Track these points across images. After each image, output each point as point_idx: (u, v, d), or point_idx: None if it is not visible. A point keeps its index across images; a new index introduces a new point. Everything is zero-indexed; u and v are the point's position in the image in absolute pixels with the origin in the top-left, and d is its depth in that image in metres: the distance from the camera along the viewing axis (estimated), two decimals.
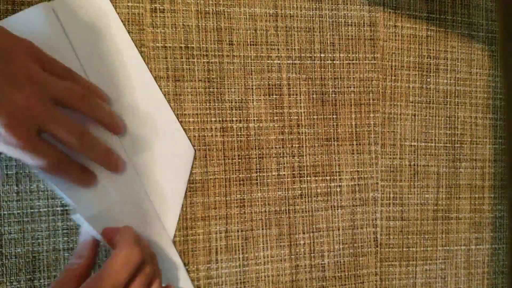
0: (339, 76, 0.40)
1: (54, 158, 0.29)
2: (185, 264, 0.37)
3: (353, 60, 0.41)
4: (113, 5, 0.35)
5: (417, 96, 0.42)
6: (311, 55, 0.39)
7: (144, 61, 0.36)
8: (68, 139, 0.29)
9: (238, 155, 0.38)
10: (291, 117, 0.39)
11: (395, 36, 0.42)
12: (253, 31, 0.38)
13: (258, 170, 0.38)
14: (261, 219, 0.39)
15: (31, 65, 0.27)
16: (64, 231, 0.35)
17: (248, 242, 0.38)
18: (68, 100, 0.29)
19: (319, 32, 0.40)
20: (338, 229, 0.40)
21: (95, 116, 0.31)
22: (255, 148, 0.38)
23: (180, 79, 0.37)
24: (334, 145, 0.40)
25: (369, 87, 0.41)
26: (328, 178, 0.40)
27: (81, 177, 0.31)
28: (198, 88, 0.37)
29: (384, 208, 0.42)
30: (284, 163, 0.39)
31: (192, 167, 0.37)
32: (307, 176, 0.40)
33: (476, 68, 0.44)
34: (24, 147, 0.27)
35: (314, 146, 0.40)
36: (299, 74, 0.39)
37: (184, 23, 0.37)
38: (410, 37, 0.42)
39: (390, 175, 0.42)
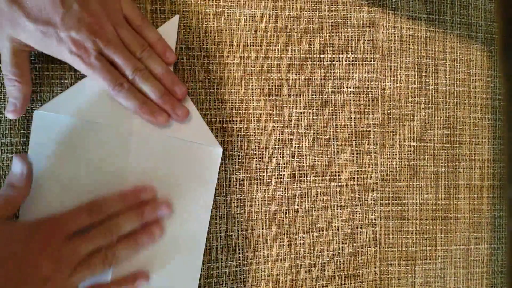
0: (338, 77, 0.40)
1: (116, 75, 0.32)
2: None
3: (352, 60, 0.41)
4: None
5: (416, 96, 0.43)
6: (310, 56, 0.40)
7: None
8: (123, 67, 0.32)
9: (238, 155, 0.38)
10: (291, 118, 0.39)
11: (394, 37, 0.42)
12: (253, 32, 0.38)
13: (258, 170, 0.39)
14: (261, 218, 0.39)
15: None
16: None
17: (248, 242, 0.39)
18: (126, 46, 0.33)
19: (319, 33, 0.40)
20: (338, 229, 0.41)
21: (150, 67, 0.34)
22: (255, 148, 0.39)
23: (180, 79, 0.37)
24: (333, 145, 0.40)
25: (368, 87, 0.41)
26: (327, 178, 0.40)
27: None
28: (199, 89, 0.37)
29: (384, 207, 0.42)
30: (284, 163, 0.39)
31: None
32: (307, 176, 0.40)
33: (475, 69, 0.45)
34: (88, 62, 0.30)
35: (314, 146, 0.40)
36: (299, 74, 0.40)
37: (185, 24, 0.37)
38: (409, 38, 0.42)
39: (389, 175, 0.42)
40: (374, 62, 0.41)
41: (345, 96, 0.41)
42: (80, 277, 0.30)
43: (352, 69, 0.41)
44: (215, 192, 0.38)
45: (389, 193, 0.42)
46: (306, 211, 0.40)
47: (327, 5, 0.40)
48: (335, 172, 0.40)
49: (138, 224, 0.33)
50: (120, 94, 0.32)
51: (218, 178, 0.38)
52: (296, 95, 0.39)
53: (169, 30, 0.36)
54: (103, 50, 0.31)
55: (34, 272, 0.27)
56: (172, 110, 0.34)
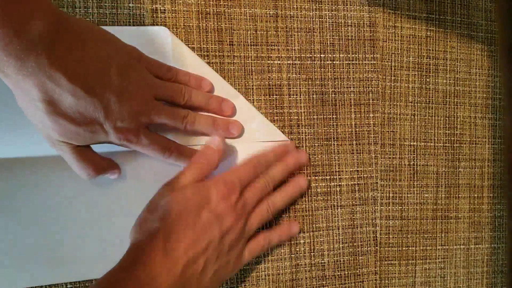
0: (339, 76, 0.40)
1: (164, 143, 0.33)
2: None
3: (352, 60, 0.41)
4: (114, 5, 0.35)
5: (417, 96, 0.43)
6: (311, 55, 0.40)
7: None
8: (173, 124, 0.33)
9: None
10: (291, 117, 0.39)
11: (395, 36, 0.42)
12: (254, 32, 0.38)
13: None
14: None
15: (139, 67, 0.31)
16: None
17: None
18: (171, 100, 0.34)
19: (319, 32, 0.40)
20: (338, 228, 0.41)
21: (196, 104, 0.35)
22: None
23: None
24: (334, 144, 0.40)
25: (368, 87, 0.41)
26: (328, 177, 0.40)
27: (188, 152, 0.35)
28: None
29: (384, 207, 0.42)
30: None
31: None
32: (307, 176, 0.40)
33: (476, 68, 0.45)
34: (137, 143, 0.31)
35: (314, 146, 0.40)
36: (299, 74, 0.40)
37: (185, 24, 0.37)
38: (409, 37, 0.42)
39: (390, 175, 0.42)
40: (374, 62, 0.41)
41: (345, 95, 0.41)
42: (252, 226, 0.34)
43: (353, 68, 0.41)
44: None
45: (389, 193, 0.42)
46: (306, 211, 0.40)
47: (327, 4, 0.40)
48: (335, 171, 0.41)
49: (286, 175, 0.37)
50: (171, 157, 0.34)
51: None
52: (296, 94, 0.39)
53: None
54: (149, 122, 0.32)
55: (218, 224, 0.31)
56: (226, 130, 0.36)
